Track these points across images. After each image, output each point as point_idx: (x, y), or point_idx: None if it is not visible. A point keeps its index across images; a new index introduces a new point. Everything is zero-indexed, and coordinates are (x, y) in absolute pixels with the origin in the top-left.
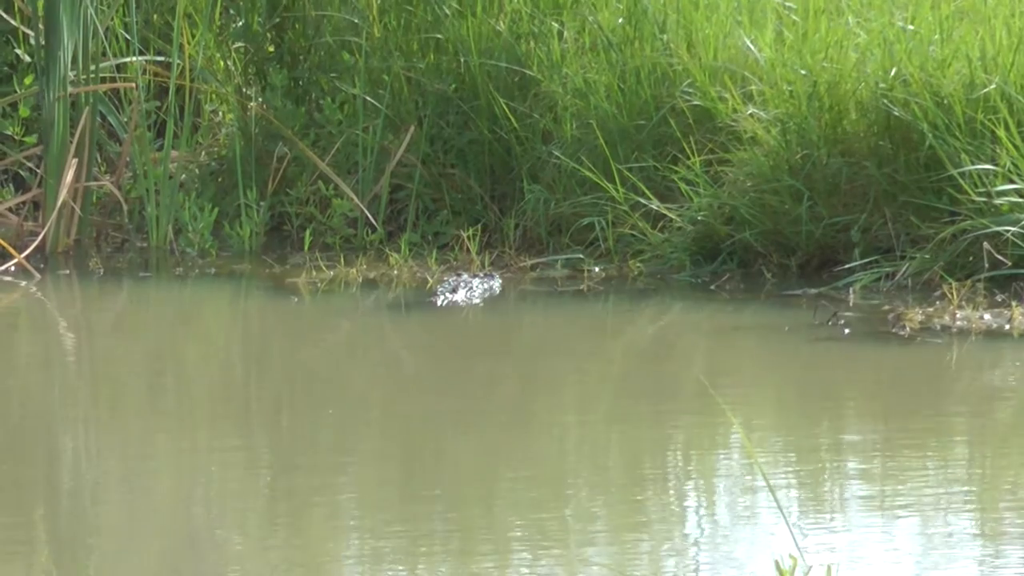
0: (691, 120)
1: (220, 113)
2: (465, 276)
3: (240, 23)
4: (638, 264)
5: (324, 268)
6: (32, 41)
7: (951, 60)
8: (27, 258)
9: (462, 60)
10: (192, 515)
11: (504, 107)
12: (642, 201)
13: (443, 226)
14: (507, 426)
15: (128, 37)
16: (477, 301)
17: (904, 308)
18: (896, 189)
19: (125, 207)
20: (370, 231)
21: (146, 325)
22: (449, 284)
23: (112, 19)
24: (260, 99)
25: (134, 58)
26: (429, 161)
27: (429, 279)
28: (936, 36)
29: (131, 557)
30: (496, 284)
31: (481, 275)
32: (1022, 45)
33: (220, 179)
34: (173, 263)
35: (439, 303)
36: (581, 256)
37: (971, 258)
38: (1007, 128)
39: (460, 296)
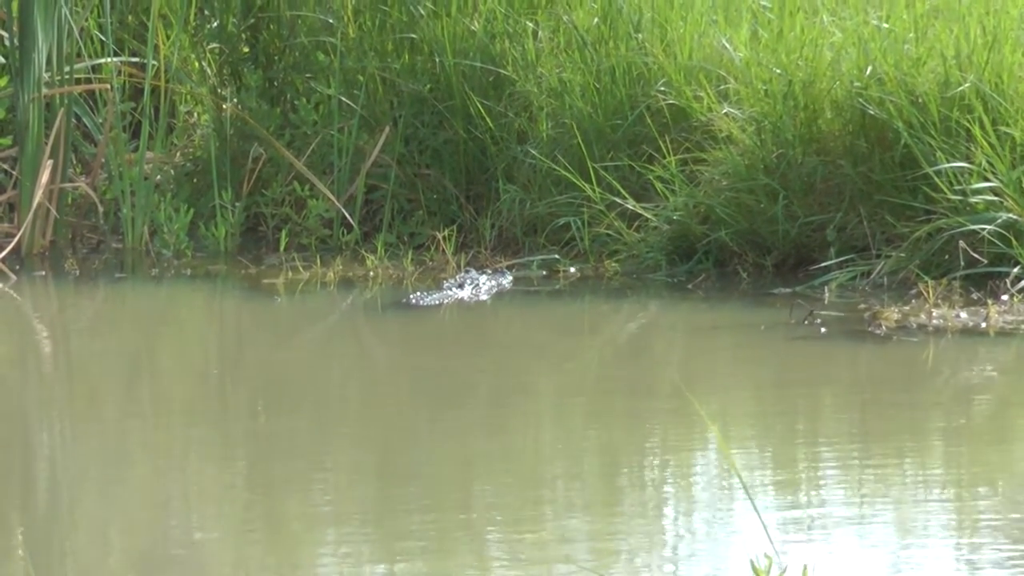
0: (667, 119)
1: (195, 114)
2: (473, 272)
3: (215, 24)
4: (614, 264)
5: (300, 269)
6: (6, 42)
7: (926, 58)
8: (2, 259)
9: (437, 60)
10: (168, 515)
11: (479, 107)
12: (618, 201)
13: (418, 226)
14: (482, 425)
15: (103, 38)
16: (484, 298)
17: (880, 307)
18: (871, 188)
19: (100, 208)
20: (345, 231)
21: (122, 326)
22: (456, 280)
23: (87, 20)
24: (235, 100)
25: (109, 59)
26: (404, 161)
27: (405, 279)
28: (911, 35)
29: (107, 557)
30: (506, 280)
31: (489, 271)
32: (996, 43)
33: (195, 180)
34: (149, 264)
35: (440, 300)
36: (557, 256)
37: (947, 256)
38: (982, 126)
39: (466, 292)
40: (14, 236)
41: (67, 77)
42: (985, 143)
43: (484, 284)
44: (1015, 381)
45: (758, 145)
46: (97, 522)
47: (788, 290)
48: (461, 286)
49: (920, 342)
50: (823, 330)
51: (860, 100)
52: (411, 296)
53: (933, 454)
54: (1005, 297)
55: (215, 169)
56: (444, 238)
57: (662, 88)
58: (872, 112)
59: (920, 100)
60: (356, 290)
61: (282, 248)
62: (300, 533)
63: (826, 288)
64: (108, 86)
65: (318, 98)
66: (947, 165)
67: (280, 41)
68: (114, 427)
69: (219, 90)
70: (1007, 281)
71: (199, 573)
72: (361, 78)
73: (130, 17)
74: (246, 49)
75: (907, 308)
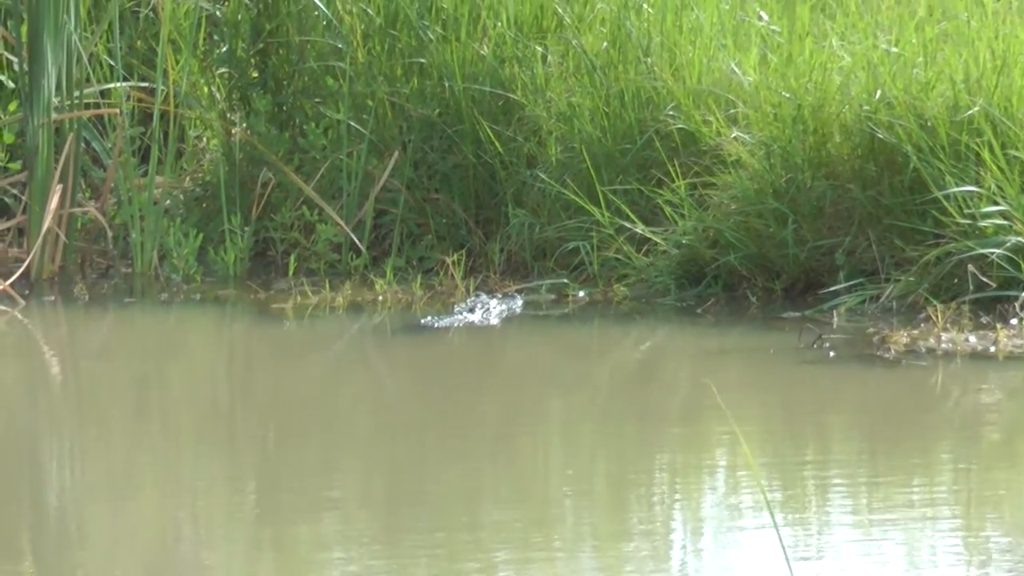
0: (676, 143)
1: (204, 139)
2: (484, 296)
3: (224, 49)
4: (623, 288)
5: (309, 293)
6: (16, 67)
7: (935, 82)
8: (12, 285)
9: (446, 85)
10: (177, 540)
11: (488, 131)
12: (627, 225)
13: (428, 251)
14: (492, 450)
15: (112, 63)
16: (495, 322)
17: (889, 331)
18: (880, 212)
19: (110, 233)
20: (354, 256)
21: (131, 351)
22: (467, 304)
23: (96, 45)
24: (244, 125)
25: (118, 84)
26: (413, 186)
27: (414, 304)
28: (920, 59)
29: None
30: (516, 304)
31: (500, 295)
32: (1006, 67)
33: (204, 205)
34: (158, 289)
35: (451, 324)
36: (566, 281)
37: (956, 280)
38: (991, 150)
39: (477, 316)
40: (23, 261)
41: (76, 102)
42: (994, 167)
43: (495, 308)
44: None
45: (767, 169)
46: (105, 546)
47: (797, 314)
48: (472, 310)
49: (929, 366)
50: (832, 354)
51: (869, 124)
52: (423, 319)
53: (942, 478)
54: (1014, 321)
55: (224, 194)
56: (453, 262)
57: (671, 112)
58: (881, 136)
59: (929, 124)
60: (365, 315)
61: (291, 273)
62: (308, 557)
63: (835, 312)
64: (117, 111)
65: (327, 123)
66: (956, 189)
67: (289, 66)
68: (123, 451)
69: (228, 115)
70: (1016, 305)
71: None
72: (370, 103)
73: (139, 42)
74: (255, 74)
75: (916, 332)
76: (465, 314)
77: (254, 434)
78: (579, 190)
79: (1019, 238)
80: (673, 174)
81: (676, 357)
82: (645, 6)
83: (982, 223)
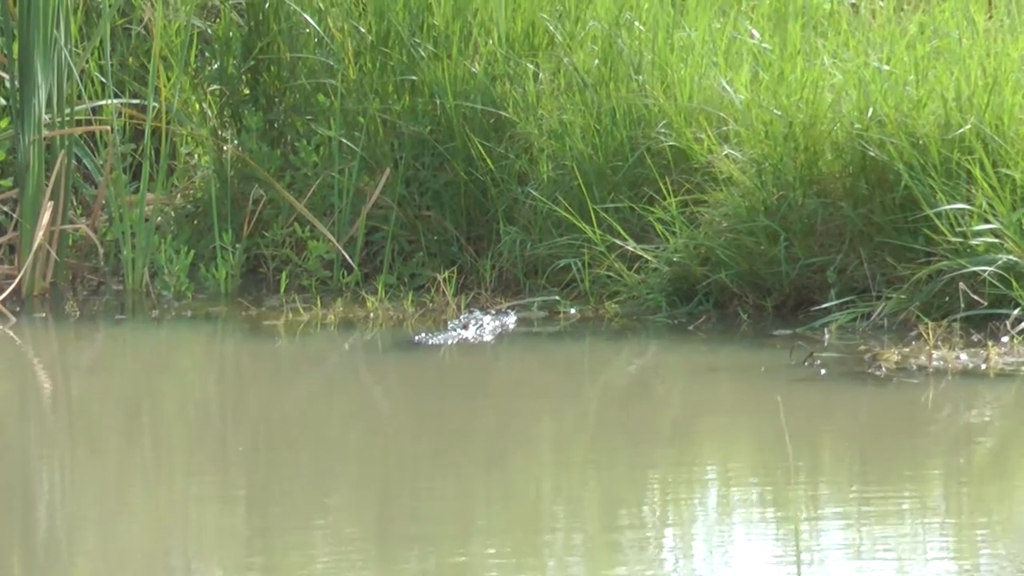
0: (667, 161)
1: (196, 155)
2: (477, 312)
3: (215, 66)
4: (614, 305)
5: (301, 310)
6: (7, 84)
7: (926, 100)
8: (3, 301)
9: (437, 102)
10: (168, 560)
11: (480, 148)
12: (618, 242)
13: (419, 268)
14: (484, 468)
15: (103, 80)
16: (488, 338)
17: (880, 348)
18: (872, 229)
19: (101, 250)
20: (346, 273)
21: (122, 368)
22: (460, 320)
23: (87, 62)
24: (235, 141)
25: (109, 101)
26: (405, 203)
27: (406, 321)
28: (911, 76)
29: None
30: (510, 321)
31: (493, 312)
32: (997, 86)
33: (196, 221)
34: (149, 306)
35: (445, 340)
36: (557, 298)
37: (947, 298)
38: (982, 168)
39: (470, 333)
40: (14, 278)
41: (68, 119)
42: (985, 185)
43: (488, 324)
44: (1015, 423)
45: (759, 187)
46: (96, 564)
47: (788, 332)
48: (465, 326)
49: (920, 384)
50: (823, 372)
51: (861, 142)
52: (416, 336)
53: (934, 496)
54: (1005, 339)
55: (216, 211)
56: (445, 279)
57: (662, 130)
58: (873, 154)
59: (921, 142)
60: (357, 331)
61: (282, 290)
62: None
63: (826, 330)
64: (109, 128)
65: (319, 140)
66: (948, 207)
67: (280, 83)
68: (114, 469)
69: (220, 132)
70: (1007, 323)
71: None
72: (362, 120)
73: (131, 59)
74: (246, 91)
75: (907, 350)
76: (459, 330)
77: (246, 452)
78: (570, 207)
79: (1010, 256)
80: (664, 191)
81: (667, 374)
82: (636, 24)
83: (973, 241)
